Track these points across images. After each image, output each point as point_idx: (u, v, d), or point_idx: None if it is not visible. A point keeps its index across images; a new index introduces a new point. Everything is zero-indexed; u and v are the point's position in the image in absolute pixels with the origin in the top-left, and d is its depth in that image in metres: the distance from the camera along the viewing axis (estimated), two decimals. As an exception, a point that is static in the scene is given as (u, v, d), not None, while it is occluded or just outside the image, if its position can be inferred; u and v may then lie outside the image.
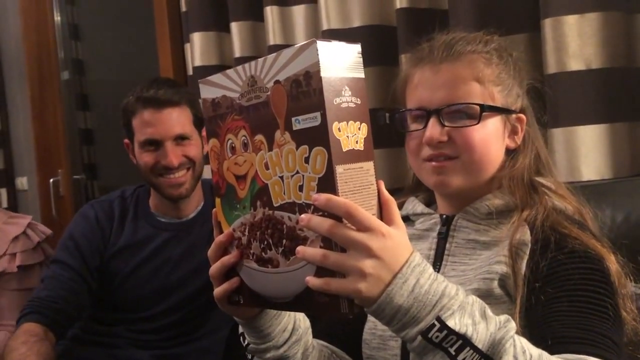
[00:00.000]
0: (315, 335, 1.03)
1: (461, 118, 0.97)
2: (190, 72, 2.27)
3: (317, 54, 0.69)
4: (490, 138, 0.99)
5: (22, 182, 3.21)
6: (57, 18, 3.17)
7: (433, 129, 0.97)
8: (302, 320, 0.97)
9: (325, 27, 1.84)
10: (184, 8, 2.25)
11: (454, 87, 0.98)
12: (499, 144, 1.01)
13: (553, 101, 1.48)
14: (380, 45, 1.80)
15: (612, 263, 0.91)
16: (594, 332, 0.81)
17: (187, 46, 2.24)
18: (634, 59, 1.50)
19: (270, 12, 1.97)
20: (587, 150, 1.48)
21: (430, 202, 1.12)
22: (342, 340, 1.08)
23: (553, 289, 0.87)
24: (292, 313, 0.95)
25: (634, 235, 1.26)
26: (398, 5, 1.71)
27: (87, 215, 1.72)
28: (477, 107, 0.96)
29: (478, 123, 0.96)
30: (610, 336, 0.82)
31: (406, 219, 1.11)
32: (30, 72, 3.06)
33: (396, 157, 1.76)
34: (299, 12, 1.97)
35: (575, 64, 1.47)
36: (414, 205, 1.11)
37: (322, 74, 0.69)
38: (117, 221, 1.71)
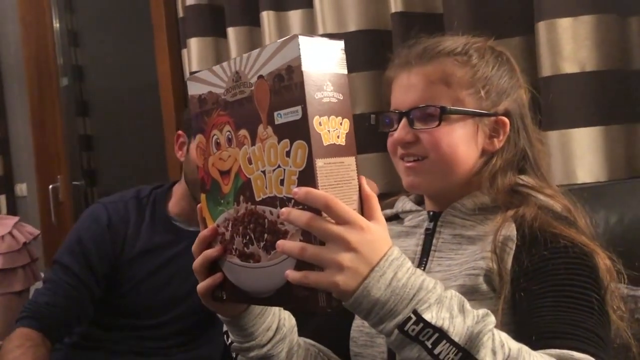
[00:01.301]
0: (303, 334, 1.03)
1: (429, 120, 0.99)
2: (187, 77, 2.28)
3: (299, 49, 0.70)
4: (457, 140, 0.99)
5: (21, 188, 3.22)
6: (56, 25, 3.19)
7: (401, 130, 1.01)
8: (287, 319, 0.97)
9: (321, 31, 1.84)
10: (181, 14, 2.27)
11: (422, 90, 1.00)
12: (469, 146, 1.01)
13: (548, 104, 1.48)
14: (376, 50, 1.80)
15: (602, 259, 0.90)
16: (579, 327, 0.81)
17: (184, 52, 2.25)
18: (628, 61, 1.50)
19: (267, 17, 1.98)
20: (582, 152, 1.48)
21: (421, 202, 1.12)
22: (330, 338, 1.08)
23: (538, 285, 0.87)
24: (277, 312, 0.95)
25: (628, 237, 1.26)
26: (393, 9, 1.72)
27: (98, 218, 1.62)
28: (438, 109, 0.98)
29: (439, 125, 0.97)
30: (595, 331, 0.81)
31: (396, 217, 1.12)
32: (29, 78, 3.08)
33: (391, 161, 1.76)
34: (295, 17, 1.97)
35: (569, 67, 1.47)
36: (404, 203, 1.12)
37: (304, 68, 0.70)
38: (132, 226, 1.63)
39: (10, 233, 1.94)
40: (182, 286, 1.61)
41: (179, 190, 1.66)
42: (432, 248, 1.01)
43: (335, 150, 0.71)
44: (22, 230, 2.00)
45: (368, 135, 1.71)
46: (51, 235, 3.05)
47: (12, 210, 3.19)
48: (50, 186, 3.10)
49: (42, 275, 1.95)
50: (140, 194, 1.69)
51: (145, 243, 1.62)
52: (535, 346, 0.75)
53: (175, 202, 1.65)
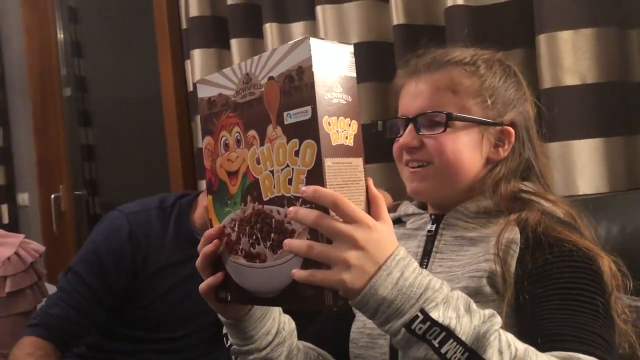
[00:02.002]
0: (302, 338, 1.03)
1: (435, 126, 1.00)
2: (190, 88, 2.29)
3: (310, 50, 0.71)
4: (462, 147, 1.00)
5: (23, 198, 3.22)
6: (60, 36, 3.21)
7: (407, 135, 1.02)
8: (286, 323, 0.97)
9: (323, 43, 1.86)
10: (184, 25, 2.29)
11: (430, 96, 1.02)
12: (474, 154, 1.02)
13: (549, 116, 1.49)
14: (378, 61, 1.82)
15: (607, 263, 0.91)
16: (584, 330, 0.81)
17: (188, 63, 2.27)
18: (628, 73, 1.52)
19: (270, 29, 2.00)
20: (583, 164, 1.49)
21: (423, 207, 1.13)
22: (330, 342, 1.08)
23: (543, 288, 0.87)
24: (277, 316, 0.95)
25: (629, 248, 1.26)
26: (395, 21, 1.74)
27: (118, 229, 1.55)
28: (444, 116, 0.99)
29: (444, 131, 0.99)
30: (600, 333, 0.82)
31: (399, 221, 1.13)
32: (32, 88, 3.09)
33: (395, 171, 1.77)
34: (297, 29, 2.00)
35: (570, 79, 1.49)
36: (407, 207, 1.13)
37: (314, 69, 0.71)
38: (156, 239, 1.56)
39: (16, 253, 1.86)
40: (201, 301, 1.55)
41: (204, 201, 1.58)
42: (434, 250, 1.01)
43: (343, 151, 0.72)
44: (27, 248, 1.91)
45: (372, 145, 1.72)
46: (53, 245, 3.04)
47: (13, 219, 3.19)
48: (52, 196, 3.09)
49: (49, 288, 1.90)
50: (164, 204, 1.62)
51: (169, 257, 1.56)
52: (540, 349, 0.75)
53: (201, 214, 1.58)
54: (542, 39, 1.51)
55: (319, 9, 1.86)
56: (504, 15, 1.62)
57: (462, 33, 1.60)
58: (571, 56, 1.49)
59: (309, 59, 0.71)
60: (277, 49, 0.75)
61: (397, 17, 1.73)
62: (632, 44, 1.52)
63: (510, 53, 1.59)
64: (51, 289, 1.74)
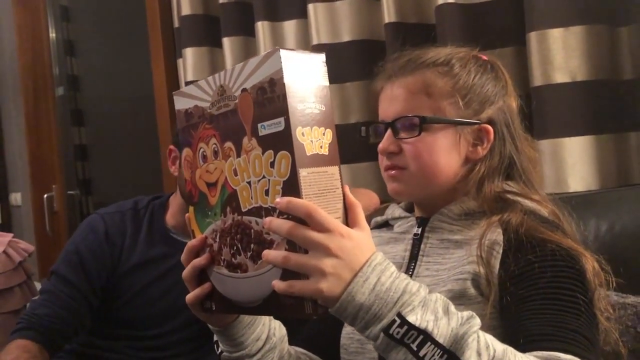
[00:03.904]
0: (293, 343, 1.03)
1: (411, 130, 1.00)
2: (183, 87, 2.28)
3: (281, 62, 0.71)
4: (438, 149, 1.00)
5: (16, 197, 3.22)
6: (52, 34, 3.21)
7: (385, 140, 1.02)
8: (277, 328, 0.97)
9: (315, 42, 1.86)
10: (176, 24, 2.28)
11: (405, 101, 1.01)
12: (451, 155, 1.01)
13: (539, 113, 1.49)
14: (369, 60, 1.81)
15: (588, 262, 0.90)
16: (566, 329, 0.81)
17: (180, 61, 2.26)
18: (618, 71, 1.51)
19: (262, 28, 1.99)
20: (574, 161, 1.49)
21: (411, 209, 1.12)
22: (321, 347, 1.08)
23: (525, 289, 0.87)
24: (267, 321, 0.95)
25: (618, 245, 1.27)
26: (387, 20, 1.73)
27: (95, 229, 1.61)
28: (418, 119, 0.98)
29: (419, 135, 0.98)
30: (582, 332, 0.81)
31: (387, 224, 1.13)
32: (25, 88, 3.09)
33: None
34: (289, 28, 1.99)
35: (560, 77, 1.49)
36: (393, 210, 1.13)
37: (285, 80, 0.71)
38: (129, 237, 1.61)
39: (4, 252, 1.90)
40: (180, 297, 1.57)
41: (174, 202, 1.65)
42: (420, 253, 1.01)
43: (318, 160, 0.72)
44: (16, 247, 1.96)
45: (361, 144, 1.73)
46: (45, 244, 3.05)
47: (6, 219, 3.20)
48: (45, 195, 3.10)
49: (39, 287, 1.93)
50: (138, 205, 1.68)
51: (142, 255, 1.61)
52: (523, 349, 0.76)
53: (172, 215, 1.65)
54: (532, 37, 1.51)
55: (310, 7, 1.86)
56: (495, 13, 1.62)
57: (453, 31, 1.60)
58: (562, 54, 1.48)
59: (280, 70, 0.71)
60: (249, 60, 0.75)
61: (388, 15, 1.72)
62: (622, 42, 1.51)
63: (501, 51, 1.59)
64: (41, 288, 1.75)
